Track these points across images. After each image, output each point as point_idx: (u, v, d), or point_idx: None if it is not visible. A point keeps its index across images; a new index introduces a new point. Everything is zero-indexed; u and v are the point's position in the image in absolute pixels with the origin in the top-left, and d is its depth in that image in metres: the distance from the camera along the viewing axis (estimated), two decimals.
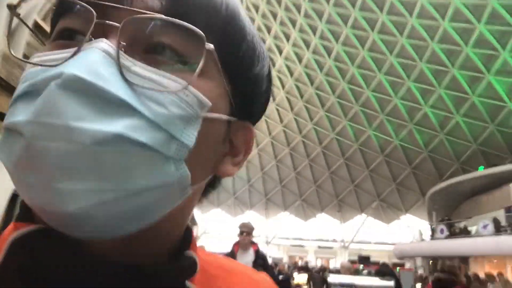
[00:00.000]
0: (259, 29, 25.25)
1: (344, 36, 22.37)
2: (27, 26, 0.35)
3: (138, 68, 0.29)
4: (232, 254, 3.84)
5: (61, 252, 0.29)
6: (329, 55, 23.75)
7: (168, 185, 0.30)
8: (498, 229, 13.67)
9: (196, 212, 30.76)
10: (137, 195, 0.28)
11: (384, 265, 8.71)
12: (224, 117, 0.35)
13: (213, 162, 0.36)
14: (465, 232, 15.78)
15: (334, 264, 27.32)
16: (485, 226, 14.34)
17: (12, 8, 0.31)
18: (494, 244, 12.92)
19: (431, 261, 17.99)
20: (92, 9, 0.29)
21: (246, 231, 3.96)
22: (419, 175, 24.27)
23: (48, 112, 0.25)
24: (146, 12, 0.30)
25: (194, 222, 31.32)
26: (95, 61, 0.27)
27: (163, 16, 0.31)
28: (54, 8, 0.35)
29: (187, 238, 0.38)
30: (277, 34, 25.16)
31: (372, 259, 26.92)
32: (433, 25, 18.87)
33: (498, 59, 17.60)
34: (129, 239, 0.31)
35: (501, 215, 14.22)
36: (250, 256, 3.84)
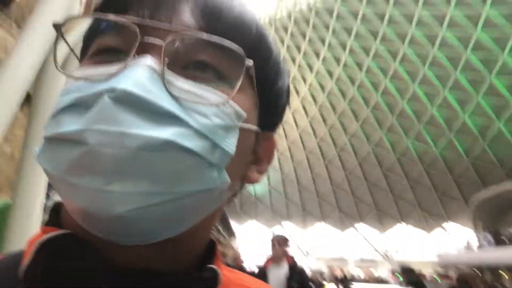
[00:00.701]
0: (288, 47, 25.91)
1: (374, 51, 22.56)
2: (67, 44, 0.36)
3: (181, 83, 0.31)
4: (262, 271, 3.45)
5: (86, 257, 0.30)
6: (360, 69, 23.95)
7: (210, 191, 0.31)
8: None
9: (234, 225, 31.44)
10: (182, 199, 0.30)
11: (410, 273, 8.68)
12: (254, 127, 0.37)
13: (243, 170, 0.38)
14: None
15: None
16: None
17: (58, 28, 0.33)
18: None
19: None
20: (137, 28, 0.31)
21: (278, 240, 3.42)
22: (461, 183, 23.77)
23: (103, 121, 0.27)
24: (189, 32, 0.33)
25: (233, 234, 31.95)
26: (142, 76, 0.29)
27: (205, 35, 0.33)
28: (91, 26, 0.37)
29: (211, 251, 0.40)
30: (307, 51, 25.56)
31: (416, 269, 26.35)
32: (465, 35, 18.69)
33: None
34: (160, 246, 0.32)
35: None
36: (283, 269, 3.34)
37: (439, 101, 21.95)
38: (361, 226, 30.11)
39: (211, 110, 0.31)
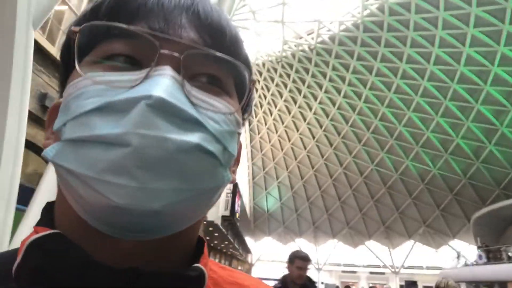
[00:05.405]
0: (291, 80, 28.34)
1: (370, 83, 24.62)
2: (75, 50, 0.35)
3: (195, 92, 0.35)
4: None
5: (73, 255, 0.31)
6: (359, 98, 25.89)
7: (219, 187, 0.35)
8: None
9: (249, 241, 33.02)
10: (201, 195, 0.33)
11: (413, 286, 9.89)
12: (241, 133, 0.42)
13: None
14: (507, 258, 16.50)
15: None
16: None
17: (76, 33, 0.35)
18: None
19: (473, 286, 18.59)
20: (156, 41, 0.34)
21: (303, 267, 2.97)
22: (461, 201, 24.76)
23: (144, 125, 0.29)
24: (202, 47, 0.36)
25: (248, 250, 33.15)
26: (170, 86, 0.32)
27: (216, 53, 0.36)
28: (97, 30, 0.36)
29: (199, 251, 0.40)
30: (310, 84, 27.42)
31: (424, 284, 27.18)
32: (450, 69, 20.67)
33: None
34: (158, 242, 0.34)
35: None
36: None
37: (432, 126, 23.71)
38: (371, 243, 30.97)
39: (221, 117, 0.35)
